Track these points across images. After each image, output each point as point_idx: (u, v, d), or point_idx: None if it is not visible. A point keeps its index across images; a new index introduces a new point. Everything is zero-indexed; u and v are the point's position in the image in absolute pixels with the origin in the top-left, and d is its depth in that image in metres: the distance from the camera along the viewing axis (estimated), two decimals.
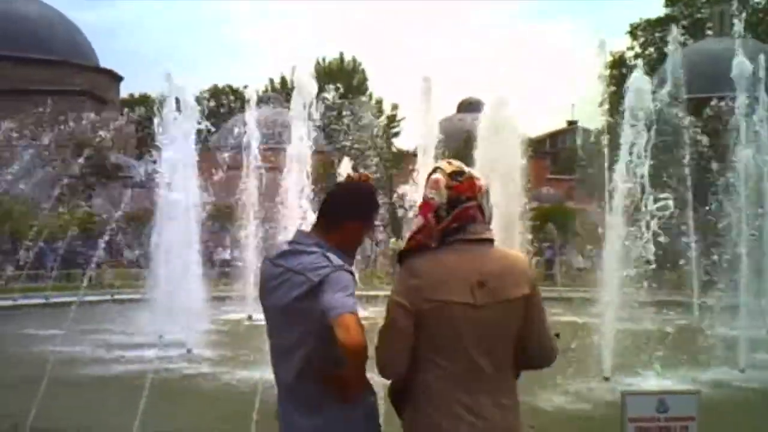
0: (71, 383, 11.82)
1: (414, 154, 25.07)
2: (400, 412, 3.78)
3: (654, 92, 15.25)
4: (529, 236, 21.35)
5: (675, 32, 29.70)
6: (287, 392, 3.82)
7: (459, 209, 3.66)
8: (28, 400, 8.81)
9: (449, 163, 3.81)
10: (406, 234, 3.88)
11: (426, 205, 3.72)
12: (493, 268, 3.62)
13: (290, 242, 3.98)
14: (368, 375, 3.80)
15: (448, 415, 3.55)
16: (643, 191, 12.87)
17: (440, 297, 3.55)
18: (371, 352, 3.56)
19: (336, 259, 3.72)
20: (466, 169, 3.76)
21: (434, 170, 3.79)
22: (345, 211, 3.94)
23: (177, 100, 18.55)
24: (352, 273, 3.74)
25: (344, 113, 31.42)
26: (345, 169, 25.95)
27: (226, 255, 33.81)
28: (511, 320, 3.64)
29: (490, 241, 3.71)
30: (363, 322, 3.58)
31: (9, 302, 23.26)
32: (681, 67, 23.66)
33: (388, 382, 3.78)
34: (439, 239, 3.66)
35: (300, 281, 3.70)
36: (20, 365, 13.40)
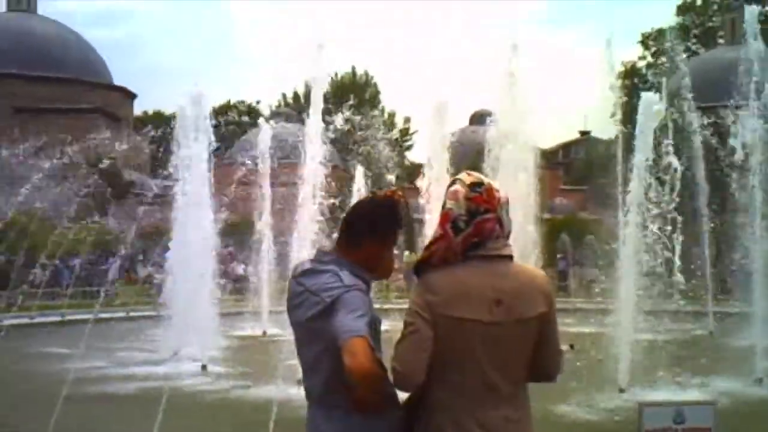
0: (87, 400, 11.84)
1: (424, 169, 25.05)
2: (410, 429, 3.77)
3: (666, 104, 15.25)
4: (542, 248, 21.28)
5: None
6: (316, 402, 3.84)
7: (478, 220, 3.64)
8: (45, 417, 8.84)
9: (469, 174, 3.79)
10: (422, 245, 3.88)
11: (444, 215, 3.71)
12: (511, 286, 3.61)
13: (312, 260, 3.99)
14: (394, 390, 3.82)
15: (458, 430, 3.54)
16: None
17: (456, 314, 3.54)
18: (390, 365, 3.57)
19: (348, 278, 3.71)
20: (486, 180, 3.74)
21: (454, 181, 3.78)
22: (362, 230, 3.93)
23: (191, 116, 18.62)
24: (365, 291, 3.74)
25: (358, 128, 31.42)
26: (359, 183, 26.01)
27: (241, 270, 33.83)
28: (527, 338, 3.63)
29: (509, 257, 3.69)
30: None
31: (26, 320, 23.34)
32: (692, 75, 23.63)
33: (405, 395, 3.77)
34: (461, 253, 3.65)
35: (314, 302, 3.71)
36: (37, 383, 13.43)
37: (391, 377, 3.60)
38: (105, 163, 34.72)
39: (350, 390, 3.50)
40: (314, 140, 17.85)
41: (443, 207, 3.75)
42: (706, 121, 23.16)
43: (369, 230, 3.93)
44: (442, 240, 3.70)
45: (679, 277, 12.50)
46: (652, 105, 13.70)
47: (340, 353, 3.47)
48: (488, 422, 3.55)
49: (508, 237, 3.77)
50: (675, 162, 13.03)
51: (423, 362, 3.55)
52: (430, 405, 3.64)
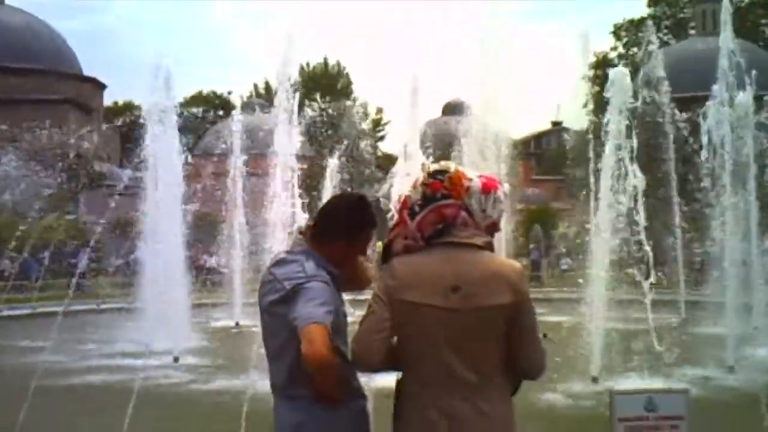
0: (57, 393, 11.77)
1: (398, 158, 25.07)
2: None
3: (637, 92, 15.28)
4: (515, 238, 21.36)
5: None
6: (280, 391, 3.86)
7: (433, 206, 3.64)
8: (14, 411, 8.76)
9: (438, 163, 3.80)
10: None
11: (403, 202, 3.74)
12: (472, 274, 3.56)
13: (286, 251, 4.07)
14: (361, 379, 3.86)
15: (424, 420, 3.53)
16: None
17: (412, 299, 3.54)
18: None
19: (311, 269, 3.77)
20: (453, 168, 3.71)
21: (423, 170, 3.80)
22: (333, 228, 3.99)
23: (160, 107, 18.51)
24: (327, 282, 3.77)
25: (329, 117, 31.40)
26: (332, 174, 25.95)
27: (213, 262, 33.71)
28: (490, 328, 3.57)
29: (477, 246, 3.64)
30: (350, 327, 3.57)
31: None
32: (664, 66, 23.73)
33: (376, 387, 3.77)
34: (425, 240, 3.65)
35: (277, 288, 3.78)
36: (7, 376, 13.33)
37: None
38: (75, 154, 34.52)
39: (312, 379, 3.51)
40: (284, 132, 17.81)
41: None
42: (677, 111, 23.28)
43: (337, 228, 3.99)
44: (398, 226, 3.74)
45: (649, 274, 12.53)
46: (623, 79, 13.67)
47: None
48: (452, 412, 3.52)
49: (492, 228, 3.74)
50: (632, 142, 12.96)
51: (377, 342, 3.57)
52: (399, 396, 3.67)
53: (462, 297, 3.53)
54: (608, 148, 13.31)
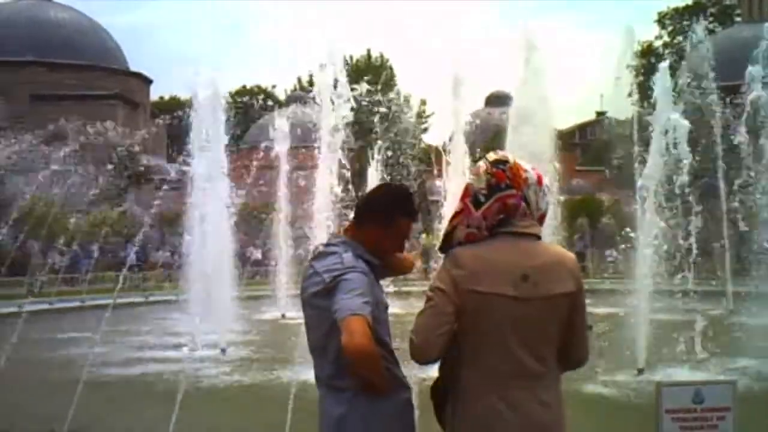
0: (106, 385, 11.92)
1: (443, 150, 24.98)
2: (440, 411, 3.78)
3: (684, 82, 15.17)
4: (560, 229, 21.23)
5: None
6: (324, 383, 3.88)
7: (499, 195, 3.64)
8: (66, 403, 8.89)
9: (495, 152, 3.81)
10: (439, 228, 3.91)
11: (465, 189, 3.73)
12: (538, 263, 3.60)
13: (324, 244, 4.08)
14: (404, 371, 3.86)
15: (488, 410, 3.53)
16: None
17: (482, 288, 3.53)
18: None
19: (349, 259, 3.79)
20: (512, 159, 3.73)
21: (475, 159, 3.83)
22: (366, 214, 4.03)
23: (207, 101, 18.67)
24: (366, 273, 3.79)
25: (376, 108, 31.32)
26: (375, 167, 25.97)
27: (258, 255, 33.92)
28: (554, 316, 3.62)
29: (536, 236, 3.69)
30: (391, 317, 3.58)
31: (45, 306, 23.47)
32: (710, 54, 23.44)
33: (420, 378, 3.79)
34: (488, 229, 3.65)
35: (317, 281, 3.80)
36: (57, 368, 13.51)
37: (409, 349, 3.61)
38: (123, 149, 34.84)
39: (353, 370, 3.55)
40: (328, 125, 17.87)
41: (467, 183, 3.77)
42: (724, 99, 23.03)
43: (376, 215, 4.01)
44: (461, 213, 3.71)
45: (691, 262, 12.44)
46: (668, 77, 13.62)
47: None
48: (517, 403, 3.54)
49: (541, 219, 3.76)
50: (683, 123, 12.85)
51: (438, 336, 3.55)
52: (461, 388, 3.63)
53: (531, 286, 3.56)
54: (655, 137, 13.23)
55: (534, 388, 3.57)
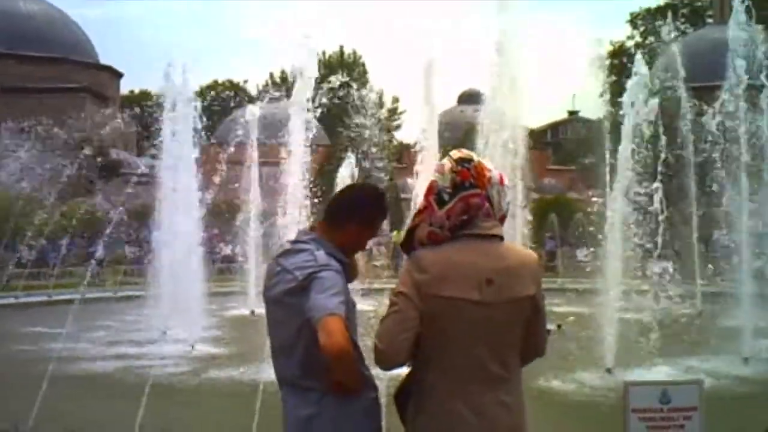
0: (73, 381, 11.83)
1: (414, 147, 24.95)
2: (403, 413, 3.74)
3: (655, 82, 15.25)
4: (530, 228, 21.29)
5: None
6: (289, 385, 3.82)
7: (463, 194, 3.59)
8: (30, 399, 8.80)
9: (459, 151, 3.76)
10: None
11: (429, 187, 3.68)
12: (502, 266, 3.57)
13: (291, 241, 4.02)
14: (371, 371, 3.81)
15: (451, 414, 3.51)
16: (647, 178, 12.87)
17: (447, 293, 3.49)
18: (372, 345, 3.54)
19: (322, 257, 3.73)
20: (476, 158, 3.70)
21: (443, 157, 3.78)
22: (347, 214, 3.97)
23: (177, 95, 18.58)
24: (339, 271, 3.74)
25: (347, 101, 31.27)
26: (347, 164, 25.93)
27: (228, 250, 33.78)
28: (518, 319, 3.61)
29: (500, 237, 3.65)
30: (361, 315, 3.55)
31: (11, 300, 23.27)
32: (681, 55, 23.55)
33: (388, 377, 3.75)
34: (450, 229, 3.60)
35: (288, 279, 3.74)
36: (23, 363, 13.38)
37: (372, 355, 3.57)
38: (92, 143, 34.58)
39: (326, 370, 3.51)
40: (298, 121, 17.83)
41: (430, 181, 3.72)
42: (694, 101, 23.15)
43: (354, 214, 3.96)
44: (425, 211, 3.67)
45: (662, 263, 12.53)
46: (640, 89, 13.70)
47: (314, 332, 3.47)
48: (480, 406, 3.52)
49: (502, 219, 3.72)
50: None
51: (403, 341, 3.51)
52: (422, 389, 3.60)
53: (496, 290, 3.53)
54: (624, 137, 13.31)
55: (497, 392, 3.55)
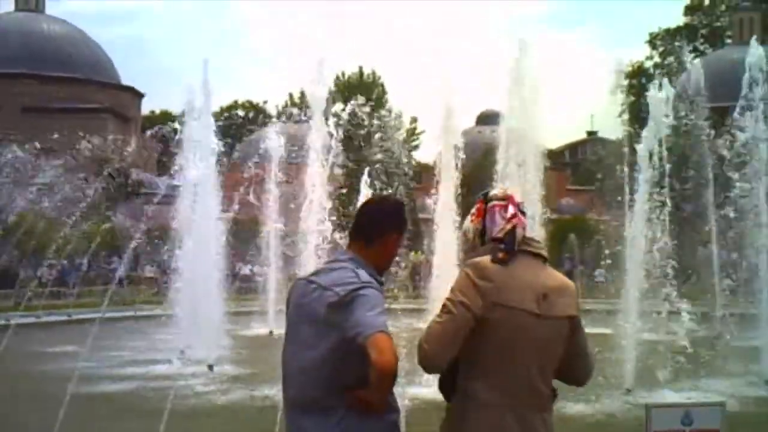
0: (93, 400, 11.86)
1: (434, 167, 24.96)
2: (449, 397, 3.80)
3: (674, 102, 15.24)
4: (549, 248, 21.28)
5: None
6: (306, 408, 3.73)
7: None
8: (51, 417, 8.83)
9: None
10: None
11: (513, 200, 3.88)
12: (554, 284, 3.72)
13: (328, 261, 4.05)
14: (393, 393, 3.77)
15: (499, 426, 3.57)
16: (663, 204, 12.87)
17: (509, 303, 3.58)
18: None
19: (364, 275, 3.68)
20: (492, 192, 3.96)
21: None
22: (382, 224, 3.96)
23: (197, 116, 18.70)
24: (379, 290, 3.71)
25: (367, 124, 31.36)
26: (365, 183, 25.97)
27: (247, 270, 33.86)
28: (560, 337, 3.71)
29: (545, 258, 3.81)
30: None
31: (32, 319, 23.38)
32: (701, 75, 23.51)
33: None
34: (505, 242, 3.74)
35: (328, 295, 3.65)
36: (43, 382, 13.43)
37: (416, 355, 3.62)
38: (113, 163, 34.78)
39: (353, 390, 3.51)
40: (319, 142, 17.89)
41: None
42: (713, 121, 23.10)
43: (388, 224, 3.97)
44: (516, 218, 3.82)
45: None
46: (660, 112, 13.72)
47: (351, 350, 3.46)
48: (526, 421, 3.60)
49: (494, 241, 3.82)
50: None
51: (452, 348, 3.57)
52: (472, 400, 3.64)
53: (549, 305, 3.65)
54: (643, 162, 13.32)
55: (541, 408, 3.67)
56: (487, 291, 3.58)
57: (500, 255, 3.69)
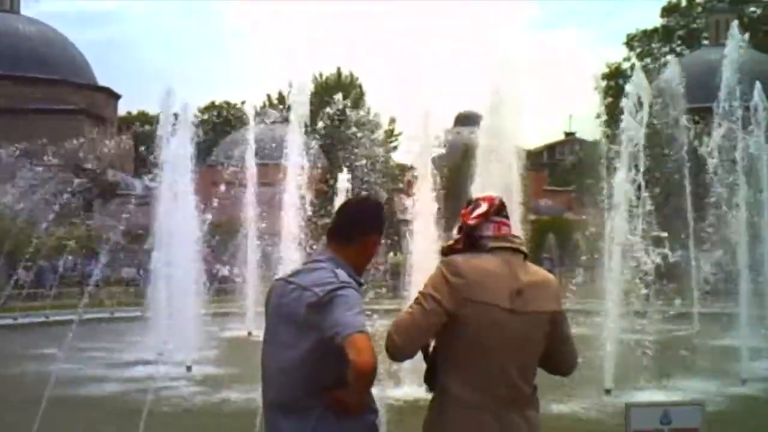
0: (71, 403, 11.78)
1: (412, 168, 24.95)
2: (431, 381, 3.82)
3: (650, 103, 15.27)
4: (528, 249, 21.30)
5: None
6: (285, 406, 3.73)
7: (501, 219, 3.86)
8: (29, 420, 8.77)
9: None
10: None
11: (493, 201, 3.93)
12: (530, 280, 3.73)
13: (306, 261, 4.09)
14: (372, 394, 3.77)
15: (478, 423, 3.59)
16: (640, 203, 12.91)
17: (480, 298, 3.60)
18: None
19: (343, 275, 3.69)
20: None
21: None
22: (361, 225, 3.96)
23: (175, 116, 18.59)
24: (358, 290, 3.72)
25: (344, 126, 31.35)
26: (343, 184, 25.93)
27: (225, 271, 33.74)
28: (539, 333, 3.73)
29: (525, 254, 3.82)
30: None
31: (9, 321, 23.20)
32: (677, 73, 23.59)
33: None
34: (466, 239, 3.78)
35: (307, 296, 3.65)
36: (21, 385, 13.34)
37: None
38: (89, 164, 34.59)
39: (331, 390, 3.51)
40: (296, 142, 17.85)
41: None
42: (689, 122, 23.19)
43: (366, 224, 3.97)
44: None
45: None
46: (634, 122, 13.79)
47: (329, 350, 3.46)
48: (504, 418, 3.61)
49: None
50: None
51: (420, 340, 3.65)
52: (450, 397, 3.67)
53: (524, 301, 3.66)
54: (621, 163, 13.37)
55: (520, 404, 3.68)
56: (459, 287, 3.62)
57: (451, 242, 3.80)
